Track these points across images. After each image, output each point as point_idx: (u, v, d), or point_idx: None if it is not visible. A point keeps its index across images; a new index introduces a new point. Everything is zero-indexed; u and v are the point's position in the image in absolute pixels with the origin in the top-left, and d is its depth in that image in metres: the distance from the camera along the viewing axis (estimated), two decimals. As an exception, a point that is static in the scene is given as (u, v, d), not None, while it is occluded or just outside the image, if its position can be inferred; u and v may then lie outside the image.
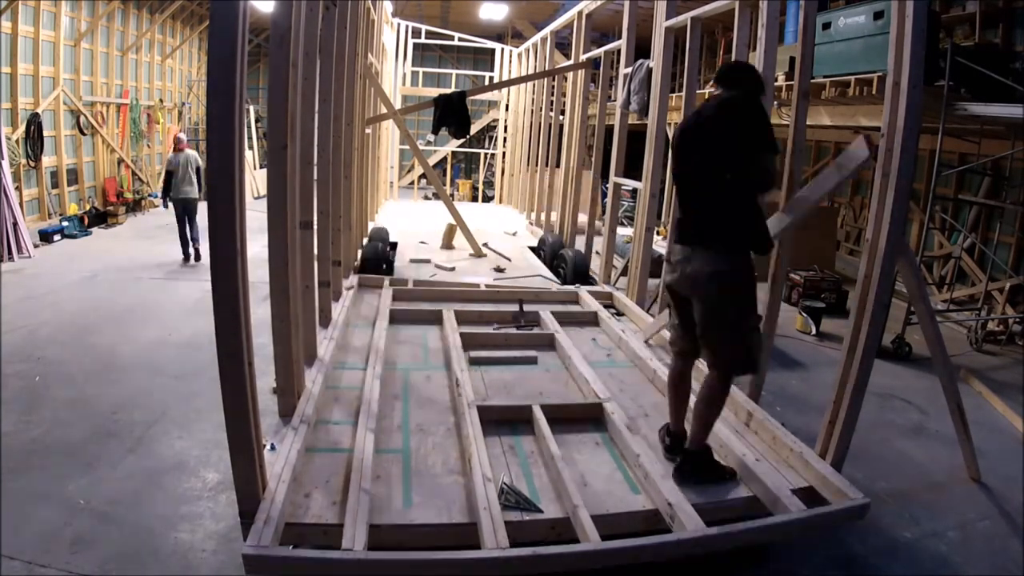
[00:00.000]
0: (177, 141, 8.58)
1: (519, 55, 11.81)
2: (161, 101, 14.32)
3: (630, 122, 6.29)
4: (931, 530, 3.45)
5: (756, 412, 3.41)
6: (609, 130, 6.61)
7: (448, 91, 7.79)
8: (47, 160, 10.04)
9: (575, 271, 6.51)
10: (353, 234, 6.08)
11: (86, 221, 10.33)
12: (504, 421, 3.32)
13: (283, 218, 3.01)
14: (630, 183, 5.87)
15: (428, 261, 6.89)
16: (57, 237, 9.31)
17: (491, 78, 13.29)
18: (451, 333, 4.41)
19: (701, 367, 3.18)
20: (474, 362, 4.12)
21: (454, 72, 15.33)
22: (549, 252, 7.52)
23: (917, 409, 5.01)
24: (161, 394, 4.54)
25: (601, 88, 7.62)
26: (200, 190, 8.33)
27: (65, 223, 9.71)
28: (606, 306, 5.40)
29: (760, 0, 3.93)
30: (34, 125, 9.46)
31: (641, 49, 5.77)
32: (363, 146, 6.80)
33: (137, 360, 5.15)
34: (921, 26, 2.79)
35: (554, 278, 6.54)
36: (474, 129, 15.72)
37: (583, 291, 5.69)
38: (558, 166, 8.51)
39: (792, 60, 6.56)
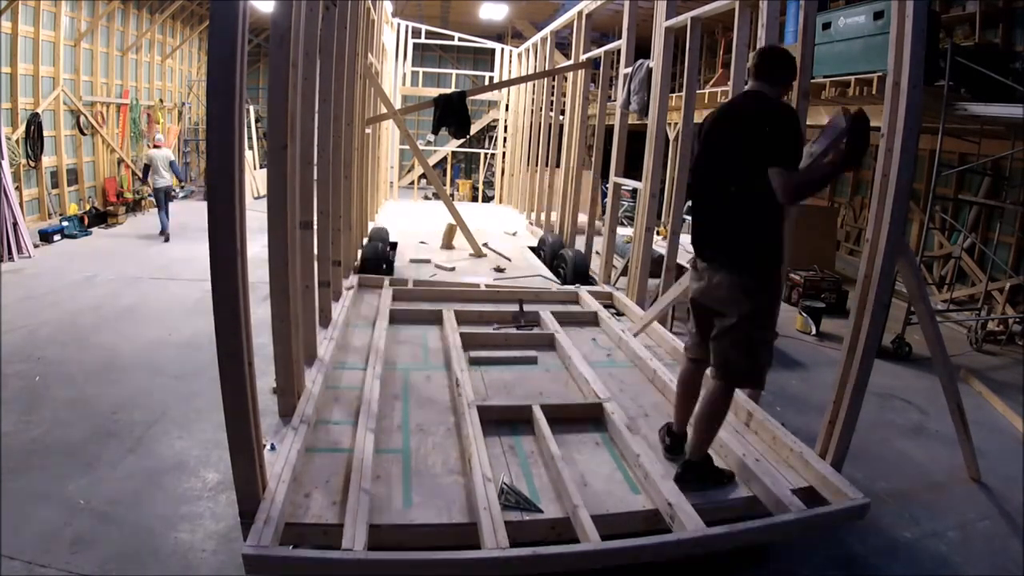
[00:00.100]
0: (156, 140, 10.53)
1: (519, 55, 11.81)
2: (161, 101, 14.32)
3: (630, 122, 6.29)
4: (931, 530, 3.45)
5: (756, 412, 3.41)
6: (609, 130, 6.61)
7: (448, 91, 7.79)
8: (47, 160, 10.04)
9: (575, 271, 6.51)
10: (353, 234, 6.08)
11: (86, 221, 10.33)
12: (504, 421, 3.32)
13: (283, 218, 3.01)
14: (630, 183, 5.87)
15: (428, 261, 6.89)
16: (57, 237, 9.31)
17: (491, 78, 13.29)
18: (451, 333, 4.41)
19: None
20: (474, 362, 4.12)
21: (454, 72, 15.33)
22: (549, 252, 7.52)
23: (917, 409, 5.01)
24: (161, 394, 4.54)
25: (601, 88, 7.62)
26: (181, 180, 10.76)
27: (65, 223, 9.71)
28: (606, 306, 5.40)
29: (760, 0, 3.93)
30: (34, 125, 9.46)
31: (641, 49, 5.78)
32: (363, 146, 6.80)
33: (137, 360, 5.15)
34: (921, 26, 2.79)
35: (554, 278, 6.54)
36: (474, 129, 15.72)
37: (583, 291, 5.69)
38: (558, 166, 8.51)
39: (792, 60, 6.55)
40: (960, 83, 5.82)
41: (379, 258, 6.47)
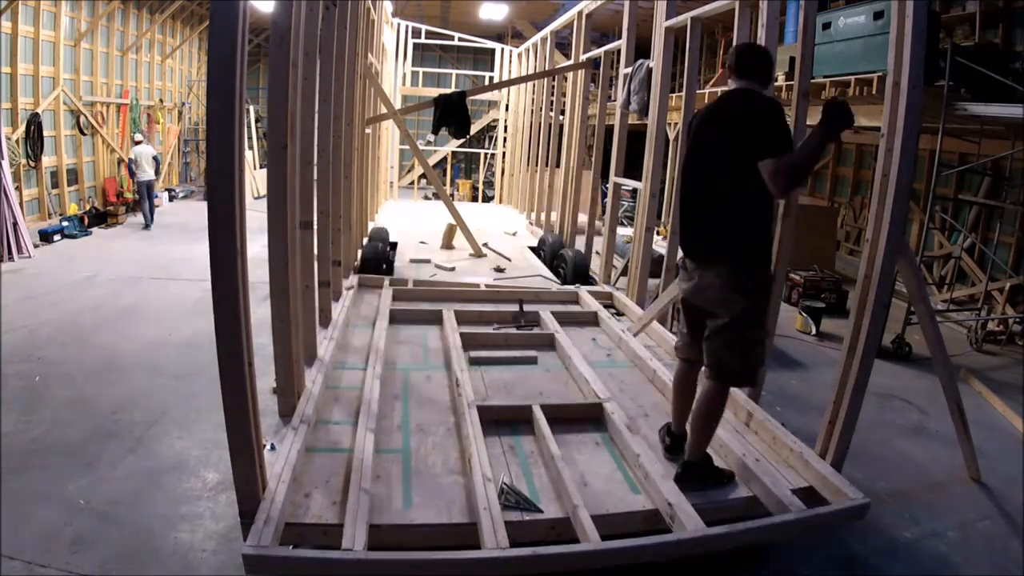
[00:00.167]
0: (137, 138, 11.32)
1: (519, 55, 11.81)
2: (161, 101, 14.33)
3: (630, 122, 6.29)
4: (931, 530, 3.45)
5: (756, 412, 3.41)
6: (609, 130, 6.61)
7: (448, 91, 7.79)
8: (47, 160, 10.04)
9: (575, 271, 6.51)
10: (353, 234, 6.08)
11: (86, 221, 10.33)
12: (504, 421, 3.32)
13: (283, 218, 3.01)
14: (630, 183, 5.87)
15: (428, 261, 6.89)
16: (57, 237, 9.31)
17: (491, 78, 13.29)
18: (451, 333, 4.41)
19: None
20: (474, 362, 4.12)
21: (454, 72, 15.33)
22: (549, 252, 7.52)
23: (917, 409, 5.01)
24: (161, 394, 4.54)
25: (601, 88, 7.62)
26: (157, 174, 11.48)
27: (65, 223, 9.71)
28: (606, 306, 5.39)
29: (760, 0, 3.93)
30: (34, 125, 9.47)
31: (641, 49, 5.77)
32: (363, 146, 6.80)
33: (137, 360, 5.15)
34: (921, 26, 2.79)
35: (554, 278, 6.54)
36: (474, 129, 15.71)
37: (583, 291, 5.69)
38: (558, 166, 8.51)
39: (792, 60, 6.56)
40: (960, 83, 5.82)
41: (379, 258, 6.47)
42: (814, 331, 6.79)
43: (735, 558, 3.00)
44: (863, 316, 3.00)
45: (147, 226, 10.86)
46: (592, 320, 5.15)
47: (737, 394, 3.54)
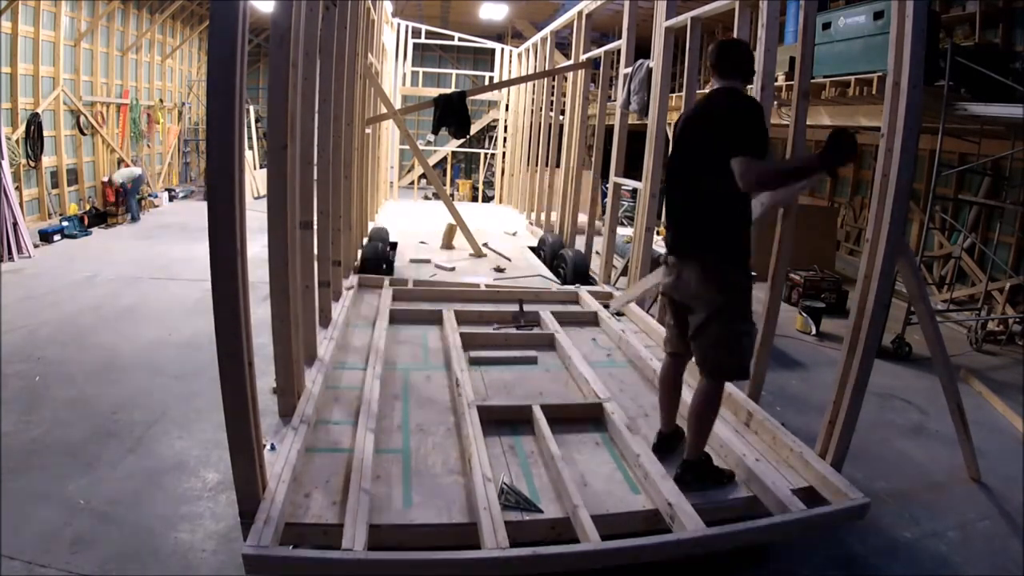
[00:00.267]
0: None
1: (519, 55, 11.81)
2: (161, 101, 14.32)
3: (630, 122, 6.29)
4: (931, 530, 3.45)
5: (756, 412, 3.41)
6: (609, 130, 6.61)
7: (448, 91, 7.79)
8: (47, 160, 10.04)
9: (575, 271, 6.51)
10: (353, 234, 6.08)
11: (86, 221, 10.32)
12: (504, 421, 3.32)
13: (283, 218, 3.01)
14: (630, 183, 5.87)
15: (428, 261, 6.89)
16: (57, 237, 9.30)
17: (491, 78, 13.29)
18: (451, 333, 4.41)
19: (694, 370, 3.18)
20: (474, 362, 4.12)
21: (454, 72, 15.33)
22: (549, 252, 7.52)
23: (917, 409, 5.01)
24: (161, 394, 4.54)
25: (601, 88, 7.62)
26: (137, 182, 11.70)
27: (65, 223, 9.71)
28: (606, 306, 5.39)
29: (760, 0, 3.93)
30: (34, 125, 9.46)
31: (641, 49, 5.77)
32: (363, 146, 6.80)
33: (137, 360, 5.15)
34: (921, 26, 2.79)
35: (554, 278, 6.54)
36: (474, 129, 15.71)
37: (583, 291, 5.69)
38: (558, 166, 8.51)
39: (792, 60, 6.56)
40: (960, 83, 5.82)
41: (379, 258, 6.47)
42: (814, 331, 6.79)
43: (735, 558, 3.00)
44: (863, 316, 3.00)
45: (134, 219, 11.37)
46: (592, 320, 5.15)
47: (737, 394, 3.54)
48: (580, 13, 7.57)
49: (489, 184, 16.12)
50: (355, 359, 4.05)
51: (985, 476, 3.94)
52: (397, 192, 13.62)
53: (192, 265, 8.10)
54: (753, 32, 4.60)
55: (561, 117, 8.69)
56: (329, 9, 4.30)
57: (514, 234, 8.96)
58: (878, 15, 5.85)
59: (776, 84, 6.19)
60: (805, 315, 6.96)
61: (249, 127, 15.18)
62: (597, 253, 7.19)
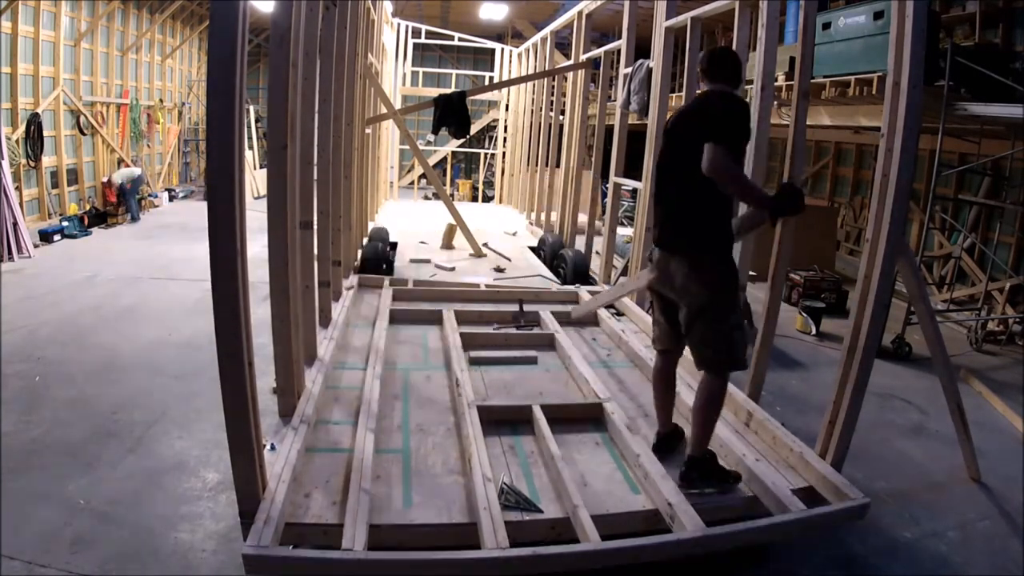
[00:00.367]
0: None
1: (519, 55, 11.81)
2: (161, 101, 14.32)
3: (630, 122, 6.29)
4: (931, 530, 3.45)
5: (756, 412, 3.41)
6: (609, 130, 6.61)
7: (448, 91, 7.79)
8: (47, 160, 10.03)
9: (575, 271, 6.51)
10: (353, 234, 6.08)
11: (86, 221, 10.32)
12: (504, 421, 3.32)
13: (283, 218, 3.01)
14: (630, 183, 5.87)
15: (428, 261, 6.90)
16: (57, 237, 9.30)
17: (491, 78, 13.29)
18: (451, 333, 4.41)
19: (688, 366, 3.18)
20: (474, 362, 4.12)
21: (454, 72, 15.33)
22: (549, 252, 7.52)
23: (917, 409, 5.01)
24: (161, 394, 4.54)
25: (601, 88, 7.62)
26: (137, 183, 11.72)
27: (65, 223, 9.70)
28: (606, 306, 5.39)
29: (760, 0, 3.93)
30: (34, 125, 9.46)
31: (641, 49, 5.77)
32: (363, 146, 6.80)
33: (137, 360, 5.15)
34: (921, 26, 2.79)
35: (554, 278, 6.54)
36: (474, 129, 15.71)
37: (583, 291, 5.69)
38: (558, 166, 8.51)
39: (792, 60, 6.56)
40: (960, 83, 5.81)
41: (379, 258, 6.47)
42: (814, 331, 6.79)
43: (735, 558, 3.00)
44: (863, 316, 3.00)
45: (134, 219, 11.36)
46: (592, 320, 5.15)
47: (737, 394, 3.54)
48: (580, 13, 7.57)
49: (489, 184, 16.12)
50: (355, 359, 4.05)
51: (985, 476, 3.94)
52: (397, 192, 13.62)
53: (192, 265, 8.10)
54: (753, 32, 4.60)
55: (561, 117, 8.69)
56: (329, 9, 4.30)
57: (514, 234, 8.96)
58: (878, 15, 5.85)
59: (776, 84, 6.19)
60: (805, 315, 6.96)
61: (249, 127, 15.18)
62: (597, 253, 7.19)
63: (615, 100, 6.48)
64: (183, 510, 3.27)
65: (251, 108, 15.44)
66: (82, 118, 11.01)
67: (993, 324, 6.93)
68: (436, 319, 4.88)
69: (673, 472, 2.84)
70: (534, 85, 9.86)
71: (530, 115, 10.36)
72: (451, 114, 7.37)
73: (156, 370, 4.96)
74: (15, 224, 8.13)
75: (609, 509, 2.66)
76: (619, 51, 6.20)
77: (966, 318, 7.17)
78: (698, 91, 3.29)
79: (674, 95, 8.72)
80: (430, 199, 13.86)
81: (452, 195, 14.77)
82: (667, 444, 3.08)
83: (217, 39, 2.08)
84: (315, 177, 3.87)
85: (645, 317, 5.06)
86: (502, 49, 12.66)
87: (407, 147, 11.41)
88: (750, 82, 4.81)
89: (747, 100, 3.08)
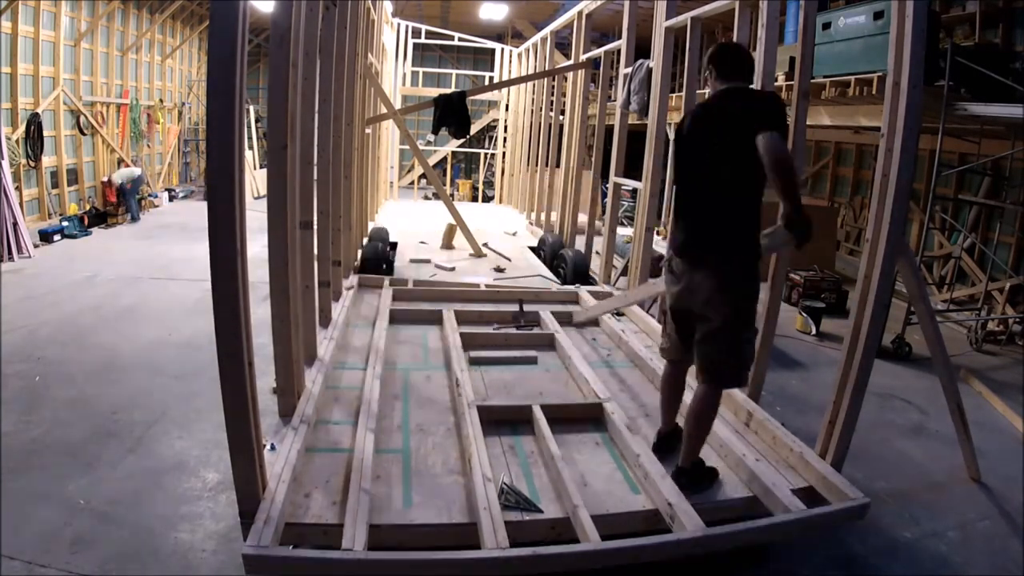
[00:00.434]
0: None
1: (519, 55, 11.81)
2: (161, 101, 14.32)
3: (630, 122, 6.29)
4: (931, 530, 3.45)
5: (756, 412, 3.41)
6: (609, 130, 6.61)
7: (448, 91, 7.79)
8: (47, 160, 10.04)
9: (575, 271, 6.51)
10: (353, 234, 6.08)
11: (86, 221, 10.32)
12: (504, 421, 3.32)
13: (283, 218, 3.01)
14: (630, 183, 5.87)
15: (428, 261, 6.90)
16: (57, 237, 9.31)
17: (491, 78, 13.28)
18: (451, 333, 4.41)
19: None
20: (474, 362, 4.12)
21: (454, 72, 15.32)
22: (549, 252, 7.52)
23: (917, 409, 5.01)
24: (161, 394, 4.54)
25: (601, 88, 7.62)
26: (137, 183, 11.78)
27: (65, 223, 9.71)
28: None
29: (760, 0, 3.93)
30: (34, 125, 9.46)
31: (641, 49, 5.77)
32: (363, 146, 6.80)
33: (137, 360, 5.15)
34: (921, 26, 2.79)
35: (554, 278, 6.54)
36: (474, 129, 15.71)
37: (583, 291, 5.69)
38: (558, 166, 8.51)
39: (792, 60, 6.56)
40: (960, 83, 5.82)
41: (379, 258, 6.47)
42: (814, 331, 6.79)
43: (735, 558, 3.00)
44: (863, 316, 3.00)
45: (134, 219, 11.40)
46: (592, 320, 5.15)
47: (737, 394, 3.54)
48: (580, 13, 7.57)
49: (489, 184, 16.12)
50: (355, 359, 4.05)
51: (985, 476, 3.94)
52: (397, 192, 13.62)
53: (192, 265, 8.11)
54: (753, 32, 4.60)
55: (561, 117, 8.68)
56: (329, 9, 4.30)
57: (514, 234, 8.95)
58: (878, 15, 5.85)
59: (776, 84, 6.19)
60: (805, 315, 6.96)
61: (249, 127, 15.18)
62: (597, 253, 7.19)
63: (615, 100, 6.48)
64: (183, 510, 3.27)
65: (251, 108, 15.44)
66: (82, 118, 11.01)
67: (993, 324, 6.93)
68: (436, 319, 4.88)
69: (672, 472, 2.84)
70: (534, 85, 9.86)
71: (530, 115, 10.36)
72: (451, 114, 7.37)
73: (156, 370, 4.96)
74: (15, 224, 8.13)
75: (609, 509, 2.66)
76: (619, 51, 6.20)
77: (966, 318, 7.17)
78: (705, 91, 3.18)
79: (674, 95, 8.73)
80: (430, 199, 13.86)
81: (452, 195, 14.77)
82: (667, 443, 3.07)
83: (217, 39, 2.08)
84: (315, 177, 3.87)
85: (645, 317, 5.07)
86: (502, 49, 12.65)
87: (407, 147, 11.41)
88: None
89: None
